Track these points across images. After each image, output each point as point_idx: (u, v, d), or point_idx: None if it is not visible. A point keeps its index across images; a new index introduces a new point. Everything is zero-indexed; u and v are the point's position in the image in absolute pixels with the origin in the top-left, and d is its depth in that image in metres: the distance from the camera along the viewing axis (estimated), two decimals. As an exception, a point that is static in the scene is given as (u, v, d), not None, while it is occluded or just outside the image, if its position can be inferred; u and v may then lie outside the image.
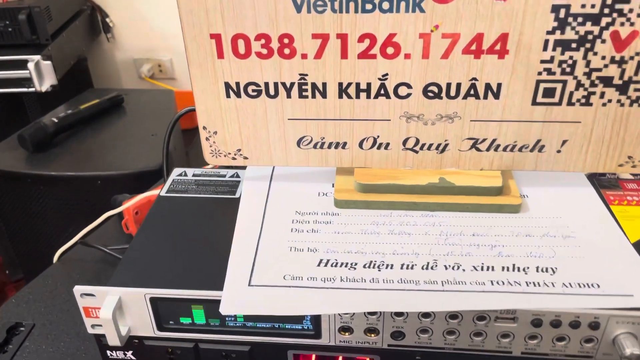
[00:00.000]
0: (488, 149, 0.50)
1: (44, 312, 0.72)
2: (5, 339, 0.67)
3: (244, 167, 0.56)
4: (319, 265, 0.44)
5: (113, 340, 0.43)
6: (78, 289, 0.42)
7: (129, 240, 0.79)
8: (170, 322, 0.44)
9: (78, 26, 1.67)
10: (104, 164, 1.19)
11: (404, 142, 0.50)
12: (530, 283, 0.42)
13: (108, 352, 0.46)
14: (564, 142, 0.49)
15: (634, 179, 0.53)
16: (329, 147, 0.51)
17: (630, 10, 0.42)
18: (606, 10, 0.42)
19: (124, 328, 0.43)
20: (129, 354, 0.46)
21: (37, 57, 1.39)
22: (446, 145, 0.50)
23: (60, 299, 0.74)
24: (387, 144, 0.51)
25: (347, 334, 0.43)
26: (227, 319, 0.43)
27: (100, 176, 1.16)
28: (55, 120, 1.24)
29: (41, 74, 1.42)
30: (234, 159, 0.52)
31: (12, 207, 1.24)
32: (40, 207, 1.21)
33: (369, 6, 0.44)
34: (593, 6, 0.42)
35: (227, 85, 0.48)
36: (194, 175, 0.56)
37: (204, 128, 0.51)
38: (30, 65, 1.39)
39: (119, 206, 0.81)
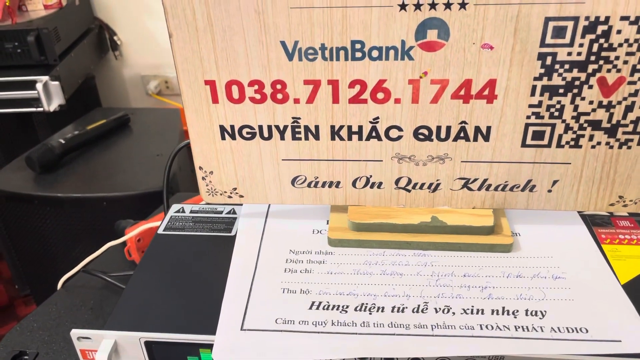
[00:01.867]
0: (479, 189, 0.51)
1: (48, 340, 0.73)
2: (9, 368, 0.68)
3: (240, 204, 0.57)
4: (310, 308, 0.45)
5: (109, 382, 0.44)
6: (75, 333, 0.43)
7: (131, 267, 0.81)
8: (165, 364, 0.45)
9: (86, 45, 1.69)
10: (110, 185, 1.20)
11: (397, 182, 0.51)
12: (519, 327, 0.42)
13: (105, 392, 0.47)
14: (555, 182, 0.49)
15: (627, 216, 0.54)
16: (323, 186, 0.52)
17: (617, 58, 0.43)
18: (592, 58, 0.43)
19: (120, 370, 0.44)
20: (126, 393, 0.47)
21: (45, 78, 1.42)
22: (438, 184, 0.51)
23: (63, 327, 0.75)
24: (380, 183, 0.51)
25: (338, 376, 0.44)
26: (220, 361, 0.44)
27: (105, 197, 1.17)
28: (63, 141, 1.26)
29: (49, 94, 1.45)
30: (229, 197, 0.53)
31: (20, 227, 1.26)
32: (48, 227, 1.22)
33: (358, 54, 0.44)
34: (579, 54, 0.43)
35: (222, 128, 0.49)
36: (191, 211, 0.57)
37: (200, 168, 0.52)
38: (39, 86, 1.41)
39: (122, 231, 0.82)
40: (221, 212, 0.57)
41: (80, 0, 1.71)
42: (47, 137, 1.41)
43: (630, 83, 0.44)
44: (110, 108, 1.76)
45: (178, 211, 0.57)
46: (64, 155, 1.27)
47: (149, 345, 0.43)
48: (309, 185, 0.52)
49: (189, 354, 0.44)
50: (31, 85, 1.42)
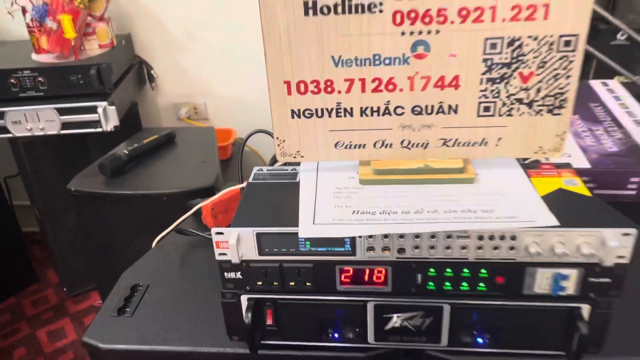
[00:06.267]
0: (453, 145, 0.81)
1: (154, 278, 1.02)
2: (130, 294, 0.97)
3: (298, 164, 0.87)
4: (353, 213, 0.74)
5: (235, 259, 0.73)
6: (214, 229, 0.72)
7: (206, 230, 1.09)
8: (266, 249, 0.74)
9: (130, 77, 2.01)
10: (168, 184, 1.50)
11: (401, 143, 0.81)
12: (477, 218, 0.72)
13: (225, 274, 0.76)
14: (499, 139, 0.80)
15: (548, 162, 0.84)
16: (355, 147, 0.82)
17: (527, 60, 0.74)
18: (514, 60, 0.74)
19: (240, 253, 0.73)
20: (238, 274, 0.76)
21: (104, 104, 1.72)
22: (427, 144, 0.81)
23: (164, 269, 1.04)
24: (391, 144, 0.81)
25: (371, 252, 0.73)
26: (300, 245, 0.73)
27: (165, 193, 1.46)
28: (126, 152, 1.56)
29: (107, 116, 1.75)
30: (294, 157, 0.83)
31: (93, 222, 1.54)
32: (117, 221, 1.51)
33: (377, 62, 0.75)
34: (506, 58, 0.74)
35: (292, 111, 0.80)
36: (267, 170, 0.87)
37: (277, 138, 0.82)
38: (99, 110, 1.71)
39: (194, 207, 1.11)
40: (287, 169, 0.87)
41: (125, 41, 2.03)
42: (98, 156, 1.71)
43: (537, 74, 0.74)
44: (151, 128, 2.07)
45: (259, 170, 0.87)
46: (128, 163, 1.57)
47: (259, 235, 0.72)
48: (345, 147, 0.82)
49: (287, 240, 0.73)
50: (92, 110, 1.72)
